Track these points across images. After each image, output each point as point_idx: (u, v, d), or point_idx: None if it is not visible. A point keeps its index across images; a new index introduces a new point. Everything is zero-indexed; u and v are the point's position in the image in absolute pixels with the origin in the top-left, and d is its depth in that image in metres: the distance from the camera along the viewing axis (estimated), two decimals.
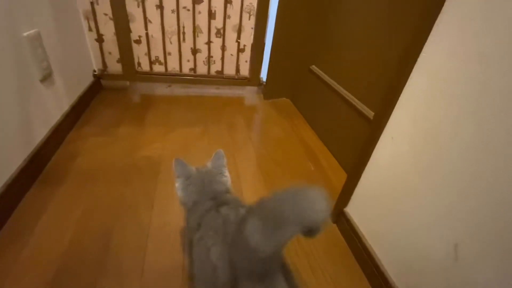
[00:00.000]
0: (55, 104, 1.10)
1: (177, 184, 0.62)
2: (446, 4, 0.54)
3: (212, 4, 1.42)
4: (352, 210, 0.87)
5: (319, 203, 0.37)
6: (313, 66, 1.48)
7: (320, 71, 1.41)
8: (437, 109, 0.57)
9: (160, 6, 1.39)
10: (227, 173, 0.65)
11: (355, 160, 0.83)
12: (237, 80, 1.71)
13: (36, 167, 0.94)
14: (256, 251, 0.38)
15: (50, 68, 1.04)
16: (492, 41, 0.47)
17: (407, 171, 0.65)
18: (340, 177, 1.15)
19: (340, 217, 0.90)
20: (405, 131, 0.66)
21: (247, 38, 1.58)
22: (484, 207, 0.48)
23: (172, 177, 0.91)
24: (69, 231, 0.78)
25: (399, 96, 0.67)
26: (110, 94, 1.55)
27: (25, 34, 0.89)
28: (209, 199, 0.58)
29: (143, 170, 1.03)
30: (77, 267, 0.70)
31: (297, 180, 1.11)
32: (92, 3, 1.33)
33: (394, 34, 0.93)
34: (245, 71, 1.70)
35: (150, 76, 1.59)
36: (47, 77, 1.02)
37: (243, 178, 1.08)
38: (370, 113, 1.03)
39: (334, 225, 0.93)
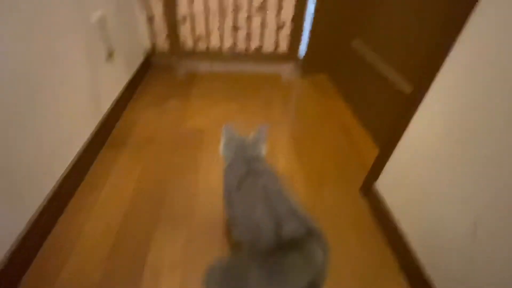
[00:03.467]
0: (116, 79, 1.26)
1: (221, 143, 0.73)
2: None
3: None
4: (381, 184, 0.90)
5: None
6: (355, 40, 1.44)
7: (362, 45, 1.37)
8: (478, 83, 0.56)
9: None
10: (264, 145, 0.73)
11: (388, 135, 0.85)
12: (275, 56, 1.73)
13: (104, 133, 1.12)
14: None
15: (112, 48, 1.19)
16: None
17: (440, 146, 0.66)
18: (372, 153, 1.15)
19: (369, 191, 0.94)
20: (443, 104, 0.65)
21: (287, 14, 1.57)
22: (507, 189, 0.49)
23: (214, 146, 1.02)
24: (132, 185, 0.94)
25: (439, 68, 0.66)
26: (159, 71, 1.71)
27: (93, 18, 1.04)
28: (244, 162, 0.66)
29: (189, 139, 1.17)
30: (140, 212, 0.86)
31: (329, 154, 1.15)
32: None
33: (440, 5, 0.87)
34: (284, 47, 1.71)
35: (194, 54, 1.70)
36: (110, 55, 1.17)
37: (277, 152, 1.15)
38: (408, 88, 1.00)
39: (363, 198, 0.97)
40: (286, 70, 1.82)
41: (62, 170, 0.86)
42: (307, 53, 1.67)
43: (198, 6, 1.52)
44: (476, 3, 0.56)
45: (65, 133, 0.88)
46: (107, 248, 0.76)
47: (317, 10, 1.48)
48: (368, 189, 0.94)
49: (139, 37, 1.58)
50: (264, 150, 0.73)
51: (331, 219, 0.89)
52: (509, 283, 0.49)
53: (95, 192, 0.91)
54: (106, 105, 1.16)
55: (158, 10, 1.52)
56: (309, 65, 1.72)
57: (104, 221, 0.83)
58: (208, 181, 0.98)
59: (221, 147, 0.73)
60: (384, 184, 0.88)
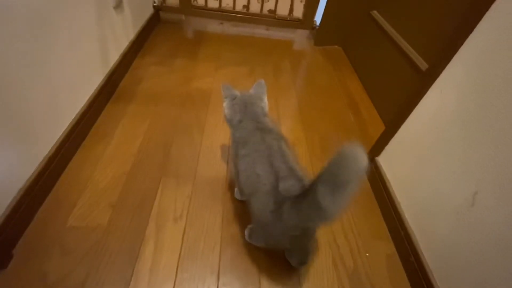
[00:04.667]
0: (124, 31, 1.22)
1: (224, 104, 0.72)
2: None
3: None
4: (383, 159, 0.91)
5: (362, 162, 0.43)
6: (374, 11, 1.37)
7: (380, 17, 1.31)
8: (499, 64, 0.55)
9: None
10: (265, 99, 0.74)
11: (397, 111, 0.84)
12: (289, 22, 1.66)
13: (111, 86, 1.11)
14: (325, 210, 0.47)
15: None
16: None
17: (448, 123, 0.66)
18: (377, 129, 1.16)
19: (370, 165, 0.96)
20: (457, 84, 0.65)
21: None
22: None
23: (220, 107, 1.03)
24: (139, 138, 0.96)
25: (459, 47, 0.65)
26: (167, 27, 1.64)
27: None
28: (250, 119, 0.68)
29: (196, 99, 1.16)
30: (146, 165, 0.88)
31: (334, 126, 1.15)
32: None
33: None
34: (298, 12, 1.63)
35: (204, 11, 1.62)
36: (118, 4, 1.12)
37: (283, 120, 1.15)
38: (424, 65, 0.98)
39: None
40: (299, 37, 1.75)
41: (71, 117, 0.87)
42: (322, 22, 1.60)
43: None
44: None
45: (74, 80, 0.87)
46: (115, 196, 0.79)
47: None
48: (369, 162, 0.96)
49: None
50: (266, 103, 0.74)
51: None
52: (506, 247, 0.52)
53: (103, 142, 0.93)
54: (113, 58, 1.14)
55: None
56: (323, 35, 1.66)
57: (112, 170, 0.85)
58: (212, 142, 0.99)
59: (225, 108, 0.72)
60: (386, 159, 0.90)
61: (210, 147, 0.97)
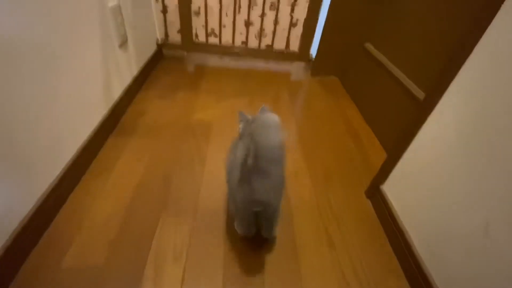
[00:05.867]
0: (128, 67, 1.27)
1: (240, 125, 0.79)
2: None
3: None
4: (388, 187, 0.90)
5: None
6: (367, 43, 1.44)
7: (374, 49, 1.37)
8: (494, 94, 0.56)
9: None
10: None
11: (398, 140, 0.85)
12: (286, 55, 1.74)
13: (114, 119, 1.13)
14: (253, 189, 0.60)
15: (126, 36, 1.19)
16: None
17: (451, 152, 0.66)
18: (380, 157, 1.16)
19: (375, 194, 0.94)
20: (456, 112, 0.65)
21: (301, 12, 1.57)
22: None
23: (221, 138, 1.01)
24: (139, 172, 0.95)
25: (454, 77, 0.66)
26: (170, 62, 1.71)
27: (110, 5, 1.04)
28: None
29: (197, 130, 1.17)
30: (145, 200, 0.87)
31: (336, 155, 1.15)
32: None
33: (456, 12, 0.87)
34: (295, 46, 1.71)
35: (205, 47, 1.70)
36: (123, 43, 1.18)
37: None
38: (421, 94, 1.00)
39: (368, 200, 0.97)
40: (296, 69, 1.82)
41: (71, 153, 0.87)
42: (317, 54, 1.67)
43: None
44: (499, 8, 0.55)
45: (76, 116, 0.89)
46: (113, 232, 0.77)
47: (329, 12, 1.48)
48: (374, 192, 0.94)
49: (152, 28, 1.59)
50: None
51: (336, 219, 0.89)
52: None
53: (103, 176, 0.92)
54: (117, 92, 1.17)
55: (172, 1, 1.53)
56: (319, 66, 1.72)
57: (111, 205, 0.84)
58: (213, 173, 0.98)
59: (240, 129, 0.78)
60: (391, 188, 0.88)
61: (211, 179, 0.96)
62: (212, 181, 0.95)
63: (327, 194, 0.98)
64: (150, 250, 0.74)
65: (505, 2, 0.54)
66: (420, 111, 0.76)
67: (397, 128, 1.13)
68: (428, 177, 0.73)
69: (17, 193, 0.67)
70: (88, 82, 0.94)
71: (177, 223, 0.81)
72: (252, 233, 0.75)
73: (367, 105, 1.41)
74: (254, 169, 0.59)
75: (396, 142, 0.85)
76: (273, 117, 0.60)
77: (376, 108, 1.32)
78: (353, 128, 1.33)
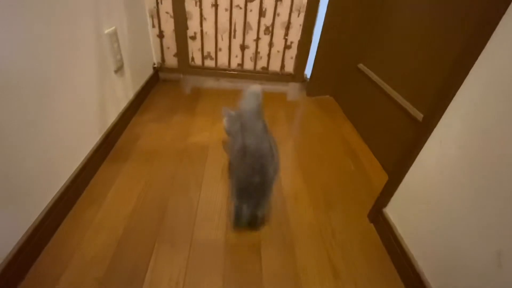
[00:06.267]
0: (123, 92, 1.26)
1: (224, 120, 0.97)
2: None
3: (264, 2, 1.48)
4: (391, 210, 0.87)
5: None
6: (361, 64, 1.46)
7: (368, 69, 1.39)
8: (494, 115, 0.55)
9: (215, 5, 1.49)
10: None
11: (398, 161, 0.83)
12: (281, 76, 1.76)
13: (108, 145, 1.11)
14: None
15: (122, 61, 1.20)
16: None
17: (454, 176, 0.64)
18: (381, 178, 1.14)
19: (378, 217, 0.91)
20: (456, 135, 0.64)
21: (295, 35, 1.61)
22: None
23: (218, 162, 1.03)
24: (133, 200, 0.91)
25: (452, 98, 0.66)
26: (166, 85, 1.72)
27: (106, 31, 1.05)
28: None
29: (193, 154, 1.15)
30: (138, 230, 0.82)
31: (336, 176, 1.13)
32: (157, 3, 1.48)
33: (449, 33, 0.89)
34: (289, 67, 1.74)
35: (201, 70, 1.72)
36: (119, 68, 1.18)
37: (282, 170, 1.13)
38: (418, 114, 1.00)
39: (371, 224, 0.94)
40: (292, 90, 1.83)
41: (62, 181, 0.84)
42: (312, 75, 1.70)
43: (209, 24, 1.55)
44: (497, 24, 0.55)
45: (69, 144, 0.86)
46: (103, 268, 0.72)
47: (322, 34, 1.52)
48: (376, 215, 0.91)
49: (148, 52, 1.61)
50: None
51: (339, 247, 0.85)
52: None
53: (95, 206, 0.88)
54: (112, 118, 1.15)
55: (169, 26, 1.56)
56: (314, 86, 1.74)
57: (102, 238, 0.79)
58: (210, 199, 0.95)
59: (225, 123, 0.96)
60: (394, 211, 0.86)
61: (208, 205, 0.93)
62: (208, 208, 0.92)
63: (329, 218, 0.94)
64: (143, 285, 0.69)
65: (503, 18, 0.54)
66: (420, 133, 0.75)
67: (396, 148, 1.12)
68: (433, 201, 0.70)
69: (1, 227, 0.62)
70: (82, 108, 0.92)
71: (172, 254, 0.77)
72: (247, 216, 0.81)
73: (364, 124, 1.41)
74: (252, 150, 0.71)
75: (397, 164, 0.83)
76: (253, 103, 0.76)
77: (374, 127, 1.32)
78: (351, 148, 1.32)
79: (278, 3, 1.49)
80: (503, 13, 0.54)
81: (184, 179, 1.02)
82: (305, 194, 1.03)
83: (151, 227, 0.83)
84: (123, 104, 1.26)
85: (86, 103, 0.95)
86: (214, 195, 0.96)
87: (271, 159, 0.73)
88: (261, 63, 1.71)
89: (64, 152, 0.84)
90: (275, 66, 1.73)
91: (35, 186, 0.72)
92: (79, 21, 0.88)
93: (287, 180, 1.08)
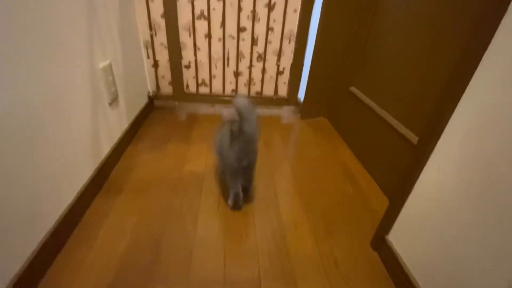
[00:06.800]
0: (118, 123, 1.26)
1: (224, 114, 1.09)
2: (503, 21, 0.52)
3: (255, 31, 1.53)
4: (394, 238, 0.84)
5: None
6: (352, 87, 1.49)
7: (359, 92, 1.42)
8: (490, 140, 0.55)
9: (209, 36, 1.53)
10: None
11: (397, 187, 0.82)
12: (275, 100, 1.78)
13: (101, 178, 1.08)
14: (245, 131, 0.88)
15: (116, 93, 1.20)
16: None
17: (455, 203, 0.63)
18: (381, 201, 1.12)
19: (381, 244, 0.88)
20: (453, 160, 0.64)
21: (287, 61, 1.65)
22: None
23: (214, 192, 1.02)
24: (126, 237, 0.88)
25: (446, 123, 0.66)
26: (161, 113, 1.72)
27: (100, 66, 1.06)
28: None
29: (189, 184, 1.13)
30: (131, 271, 0.78)
31: (335, 202, 1.10)
32: (151, 35, 1.52)
33: (439, 55, 0.91)
34: (283, 91, 1.76)
35: (196, 97, 1.74)
36: (114, 100, 1.19)
37: (280, 197, 1.11)
38: (413, 137, 1.00)
39: (375, 252, 0.90)
40: (286, 113, 1.85)
41: (52, 221, 0.80)
42: (306, 98, 1.72)
43: (203, 53, 1.59)
44: (482, 56, 0.57)
45: (61, 180, 0.84)
46: None
47: (314, 58, 1.56)
48: (379, 243, 0.88)
49: (143, 82, 1.63)
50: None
51: (344, 279, 0.82)
52: None
53: (85, 246, 0.84)
54: (105, 150, 1.14)
55: (163, 56, 1.59)
56: (308, 109, 1.76)
57: (92, 281, 0.75)
58: (206, 233, 0.92)
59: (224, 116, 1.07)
60: (397, 238, 0.83)
61: (204, 240, 0.89)
62: (205, 242, 0.88)
63: (331, 248, 0.91)
64: None
65: (495, 34, 0.54)
66: (416, 157, 0.75)
67: (394, 171, 1.12)
68: (436, 229, 0.68)
69: None
70: (74, 144, 0.91)
71: None
72: (240, 196, 1.00)
73: (360, 146, 1.41)
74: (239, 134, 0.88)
75: (396, 190, 0.82)
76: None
77: (370, 150, 1.32)
78: (349, 170, 1.31)
79: (270, 31, 1.54)
80: (496, 29, 0.53)
81: (179, 212, 0.99)
82: (305, 222, 1.00)
83: (145, 267, 0.79)
84: (117, 135, 1.25)
85: (79, 139, 0.94)
86: (211, 229, 0.93)
87: (257, 144, 0.95)
88: (255, 88, 1.74)
89: (55, 190, 0.81)
90: (268, 91, 1.76)
91: (22, 228, 0.69)
92: (73, 58, 0.89)
93: (286, 207, 1.06)
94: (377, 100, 1.27)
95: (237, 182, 0.97)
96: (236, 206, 1.01)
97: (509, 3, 0.52)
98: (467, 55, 0.59)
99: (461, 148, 0.62)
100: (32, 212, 0.72)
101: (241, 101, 0.87)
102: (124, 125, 1.34)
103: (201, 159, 1.30)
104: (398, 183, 0.81)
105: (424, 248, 0.72)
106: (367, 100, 1.33)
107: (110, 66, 1.13)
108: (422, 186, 0.74)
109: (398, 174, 1.08)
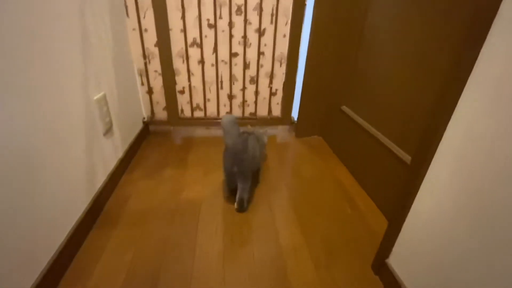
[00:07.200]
0: (112, 152, 1.26)
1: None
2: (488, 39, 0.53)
3: (247, 56, 1.57)
4: (395, 262, 0.83)
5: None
6: (344, 106, 1.52)
7: (351, 112, 1.44)
8: (477, 163, 0.56)
9: (202, 61, 1.57)
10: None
11: (395, 209, 0.82)
12: (269, 120, 1.80)
13: (96, 211, 1.07)
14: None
15: (111, 122, 1.21)
16: None
17: (452, 225, 0.63)
18: (380, 222, 1.11)
19: (382, 268, 0.87)
20: (445, 184, 0.64)
21: (279, 83, 1.69)
22: None
23: (212, 218, 0.97)
24: (122, 273, 0.85)
25: (437, 145, 0.66)
26: (156, 138, 1.73)
27: (95, 98, 1.08)
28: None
29: (185, 213, 1.11)
30: None
31: (334, 223, 1.10)
32: (145, 63, 1.55)
33: (428, 75, 0.92)
34: (277, 111, 1.79)
35: (191, 121, 1.75)
36: (108, 130, 1.19)
37: (277, 220, 1.10)
38: (406, 157, 1.01)
39: (376, 277, 0.89)
40: (281, 132, 1.87)
41: (45, 262, 0.78)
42: (299, 117, 1.75)
43: (197, 78, 1.62)
44: (468, 77, 0.58)
45: (55, 215, 0.82)
46: None
47: (305, 78, 1.60)
48: (380, 267, 0.87)
49: (138, 108, 1.64)
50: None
51: None
52: None
53: (80, 284, 0.82)
54: (100, 180, 1.13)
55: (157, 82, 1.62)
56: (302, 127, 1.78)
57: None
58: (204, 265, 0.90)
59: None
60: (398, 262, 0.82)
61: (202, 272, 0.87)
62: (203, 275, 0.86)
63: (332, 273, 0.89)
64: None
65: (482, 50, 0.55)
66: (410, 177, 0.75)
67: (390, 188, 1.12)
68: (435, 252, 0.68)
69: None
70: (69, 176, 0.90)
71: None
72: (233, 187, 1.17)
73: (355, 165, 1.42)
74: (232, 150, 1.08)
75: (394, 213, 0.82)
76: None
77: (365, 168, 1.32)
78: (346, 190, 1.31)
79: (261, 55, 1.59)
80: (483, 41, 0.54)
81: (176, 244, 0.97)
82: (304, 247, 0.99)
83: None
84: (112, 164, 1.25)
85: (73, 171, 0.93)
86: (209, 260, 0.91)
87: (245, 154, 1.08)
88: (249, 109, 1.76)
89: (49, 226, 0.80)
90: (262, 111, 1.78)
91: (14, 271, 0.67)
92: (68, 92, 0.90)
93: (285, 232, 1.05)
94: (368, 119, 1.29)
95: (231, 182, 1.17)
96: (230, 184, 1.20)
97: (488, 31, 0.54)
98: (451, 79, 0.61)
99: (451, 172, 0.63)
100: (25, 254, 0.70)
101: (225, 118, 1.03)
102: (119, 154, 1.33)
103: (197, 185, 1.29)
104: (395, 204, 0.81)
105: (425, 272, 0.72)
106: (359, 120, 1.35)
107: (104, 97, 1.15)
108: (417, 211, 0.74)
109: (394, 192, 1.09)
